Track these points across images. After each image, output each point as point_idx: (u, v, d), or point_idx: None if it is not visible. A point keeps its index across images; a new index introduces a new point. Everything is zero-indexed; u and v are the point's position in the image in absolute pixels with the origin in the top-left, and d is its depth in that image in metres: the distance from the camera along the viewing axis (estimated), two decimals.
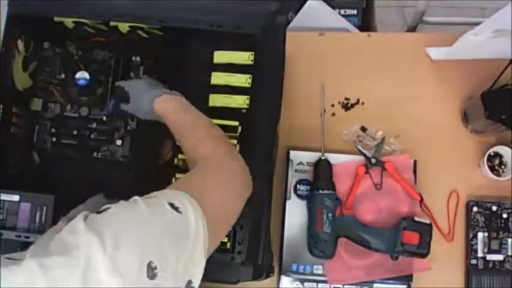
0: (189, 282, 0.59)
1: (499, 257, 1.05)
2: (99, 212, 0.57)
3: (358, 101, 1.13)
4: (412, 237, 1.00)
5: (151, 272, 0.53)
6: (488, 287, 1.04)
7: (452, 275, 1.06)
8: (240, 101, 0.93)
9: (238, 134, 0.93)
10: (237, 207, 0.73)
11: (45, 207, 0.94)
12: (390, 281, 1.04)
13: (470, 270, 1.05)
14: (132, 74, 1.00)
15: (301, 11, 1.32)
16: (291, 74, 1.08)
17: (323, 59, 1.15)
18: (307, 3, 1.32)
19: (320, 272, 1.05)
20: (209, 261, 0.85)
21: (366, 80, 1.14)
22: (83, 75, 0.96)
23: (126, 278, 0.50)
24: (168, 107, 0.84)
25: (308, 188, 1.07)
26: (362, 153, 1.08)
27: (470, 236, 1.06)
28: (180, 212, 0.60)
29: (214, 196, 0.69)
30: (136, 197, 0.60)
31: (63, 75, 0.99)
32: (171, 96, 0.86)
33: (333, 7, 1.35)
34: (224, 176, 0.74)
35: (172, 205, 0.60)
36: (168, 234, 0.57)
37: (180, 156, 0.94)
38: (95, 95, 0.97)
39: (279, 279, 1.05)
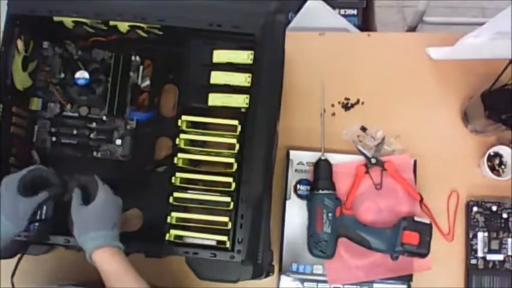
0: None
1: (499, 257, 1.05)
2: None
3: (358, 101, 1.13)
4: (412, 237, 1.00)
5: None
6: (488, 287, 1.04)
7: (452, 275, 1.06)
8: (240, 101, 0.93)
9: (237, 133, 0.93)
10: None
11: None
12: (390, 281, 1.04)
13: (470, 270, 1.04)
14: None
15: (301, 11, 1.32)
16: (291, 74, 1.08)
17: (323, 59, 1.15)
18: (307, 3, 1.32)
19: (320, 272, 1.05)
20: (209, 260, 0.85)
21: (366, 80, 1.14)
22: (82, 75, 0.96)
23: None
24: (108, 268, 0.79)
25: (308, 188, 1.07)
26: (362, 153, 1.08)
27: (470, 236, 1.06)
28: None
29: None
30: None
31: (62, 75, 0.98)
32: (113, 251, 0.80)
33: (333, 7, 1.36)
34: None
35: None
36: None
37: (179, 155, 0.94)
38: (94, 95, 0.96)
39: (279, 279, 1.05)
